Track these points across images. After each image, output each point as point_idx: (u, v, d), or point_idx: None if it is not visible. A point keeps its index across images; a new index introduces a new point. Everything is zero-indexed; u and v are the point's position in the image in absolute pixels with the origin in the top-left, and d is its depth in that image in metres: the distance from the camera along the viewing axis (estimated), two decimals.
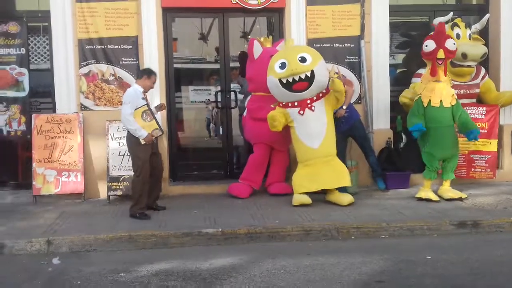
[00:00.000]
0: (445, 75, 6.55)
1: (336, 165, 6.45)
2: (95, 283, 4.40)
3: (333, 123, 6.51)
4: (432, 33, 6.72)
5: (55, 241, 5.33)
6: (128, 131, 6.10)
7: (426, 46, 6.56)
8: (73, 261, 4.99)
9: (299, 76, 6.22)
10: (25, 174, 7.43)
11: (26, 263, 4.99)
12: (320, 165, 6.39)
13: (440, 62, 6.45)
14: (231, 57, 8.04)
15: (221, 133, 8.05)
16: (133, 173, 6.28)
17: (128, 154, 6.47)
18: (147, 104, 6.09)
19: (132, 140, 6.06)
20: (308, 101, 6.36)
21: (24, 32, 7.33)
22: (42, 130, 7.07)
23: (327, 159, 6.40)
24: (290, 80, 6.24)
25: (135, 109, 6.01)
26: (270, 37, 7.45)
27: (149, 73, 6.22)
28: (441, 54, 6.40)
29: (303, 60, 6.26)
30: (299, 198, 6.38)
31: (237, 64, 8.45)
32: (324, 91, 6.42)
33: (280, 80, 6.30)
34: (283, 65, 6.28)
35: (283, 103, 6.47)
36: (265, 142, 6.97)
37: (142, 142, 6.00)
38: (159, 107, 6.49)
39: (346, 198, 6.40)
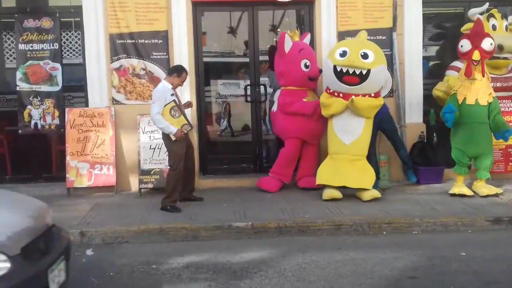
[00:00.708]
0: (483, 76, 6.36)
1: (362, 166, 6.37)
2: (127, 275, 4.49)
3: (371, 127, 6.42)
4: (469, 30, 6.52)
5: (88, 233, 5.45)
6: None
7: (462, 46, 6.40)
8: (106, 253, 5.10)
9: (354, 70, 6.12)
10: (59, 167, 7.60)
11: None
12: (346, 162, 6.34)
13: (475, 63, 6.30)
14: (260, 50, 8.03)
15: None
16: (163, 166, 6.36)
17: (160, 148, 6.56)
18: (175, 100, 6.14)
19: (167, 136, 6.15)
20: (353, 97, 6.19)
21: (57, 28, 7.46)
22: (75, 124, 7.21)
23: (354, 158, 6.33)
24: (344, 70, 6.15)
25: (164, 106, 6.07)
26: (298, 30, 7.40)
27: (180, 71, 6.26)
28: (476, 55, 6.24)
29: (365, 56, 6.12)
30: (329, 193, 6.35)
31: (266, 58, 8.45)
32: (373, 94, 6.29)
33: (335, 67, 6.21)
34: (343, 53, 6.19)
35: (331, 91, 6.40)
36: (297, 136, 6.95)
37: (173, 138, 6.08)
38: (187, 105, 6.53)
39: (367, 194, 6.29)
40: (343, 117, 6.34)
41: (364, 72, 6.11)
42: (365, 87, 6.19)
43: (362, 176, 6.33)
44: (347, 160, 6.35)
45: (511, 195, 6.52)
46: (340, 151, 6.38)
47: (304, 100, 6.90)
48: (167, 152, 6.42)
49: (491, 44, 6.39)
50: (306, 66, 6.92)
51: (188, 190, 6.50)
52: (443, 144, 7.05)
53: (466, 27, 6.96)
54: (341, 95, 6.27)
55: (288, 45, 6.94)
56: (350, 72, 6.12)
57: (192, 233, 5.47)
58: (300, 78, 6.94)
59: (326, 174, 6.43)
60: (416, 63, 7.61)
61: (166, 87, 6.16)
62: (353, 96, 6.15)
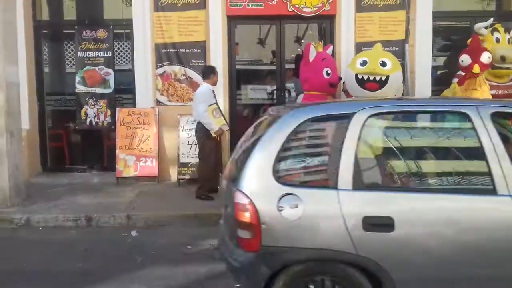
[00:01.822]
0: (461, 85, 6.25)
1: None
2: (166, 254, 4.55)
3: None
4: (468, 45, 6.38)
5: (133, 217, 5.52)
6: (198, 124, 6.24)
7: (462, 61, 6.25)
8: (148, 234, 5.17)
9: (374, 77, 6.04)
10: (109, 159, 7.70)
11: (109, 234, 5.21)
12: None
13: (476, 76, 6.14)
14: (286, 59, 7.99)
15: None
16: (198, 160, 6.41)
17: (196, 143, 6.62)
18: (216, 103, 6.19)
19: (203, 132, 6.19)
20: None
21: (111, 38, 7.57)
22: (124, 121, 7.31)
23: None
24: (365, 78, 6.07)
25: (208, 106, 6.13)
26: (322, 42, 7.34)
27: (213, 70, 6.38)
28: (476, 69, 6.08)
29: (383, 64, 6.05)
30: None
31: (291, 66, 8.39)
32: None
33: (356, 75, 6.14)
34: (364, 63, 6.10)
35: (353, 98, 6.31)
36: None
37: (214, 135, 6.15)
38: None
39: None
40: None
41: (383, 78, 6.02)
42: (385, 92, 6.11)
43: None
44: None
45: None
46: None
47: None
48: (198, 145, 6.46)
49: (488, 57, 6.23)
50: (328, 74, 6.84)
51: (215, 181, 6.43)
52: None
53: (478, 26, 6.80)
54: None
55: (312, 55, 6.88)
56: (371, 79, 6.04)
57: None
58: (322, 84, 6.86)
59: None
60: (425, 72, 7.45)
61: (208, 88, 6.25)
62: None
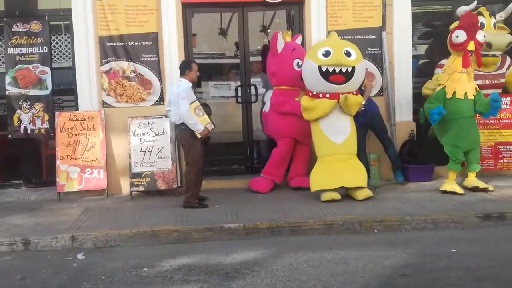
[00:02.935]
0: (480, 66, 6.53)
1: (355, 164, 6.39)
2: (119, 278, 4.47)
3: (354, 124, 6.46)
4: (459, 21, 6.59)
5: (79, 237, 5.43)
6: (179, 126, 6.29)
7: (457, 36, 6.45)
8: (97, 257, 5.08)
9: (340, 69, 6.14)
10: (49, 172, 7.56)
11: (51, 259, 5.09)
12: (340, 163, 6.33)
13: (470, 54, 6.36)
14: (251, 51, 8.05)
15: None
16: (154, 169, 6.42)
17: (150, 150, 6.66)
18: (198, 100, 6.23)
19: (188, 133, 6.23)
20: (347, 95, 6.21)
21: (46, 31, 7.44)
22: (65, 127, 7.19)
23: (347, 157, 6.34)
24: (330, 70, 6.15)
25: (190, 104, 6.14)
26: (290, 31, 7.43)
27: (189, 65, 6.41)
28: (471, 46, 6.31)
29: (348, 54, 6.18)
30: (329, 195, 6.29)
31: (257, 59, 8.46)
32: (354, 92, 6.34)
33: (320, 67, 6.21)
34: (327, 53, 6.19)
35: (313, 93, 6.36)
36: (290, 136, 6.98)
37: (199, 136, 6.18)
38: None
39: (362, 193, 6.29)
40: (331, 117, 6.33)
41: (349, 69, 6.14)
42: (351, 84, 6.23)
43: (357, 175, 6.34)
44: (340, 160, 6.34)
45: (501, 192, 6.57)
46: (332, 152, 6.37)
47: (297, 99, 6.92)
48: (184, 149, 6.53)
49: (484, 36, 6.49)
50: (299, 66, 6.95)
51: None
52: (432, 143, 7.09)
53: (455, 25, 7.01)
54: (327, 95, 6.26)
55: (280, 45, 6.97)
56: (337, 71, 6.15)
57: (184, 235, 5.47)
58: (292, 78, 6.97)
59: (320, 179, 6.37)
60: (405, 61, 7.66)
61: (188, 83, 6.28)
62: (345, 94, 6.17)
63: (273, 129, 7.19)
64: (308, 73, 6.41)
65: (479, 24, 6.63)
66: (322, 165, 6.43)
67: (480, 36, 6.41)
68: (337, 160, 6.34)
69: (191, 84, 6.33)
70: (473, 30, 6.37)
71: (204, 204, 6.36)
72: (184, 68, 6.40)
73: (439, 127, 6.65)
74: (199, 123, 6.16)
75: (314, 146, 6.61)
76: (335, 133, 6.34)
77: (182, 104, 6.15)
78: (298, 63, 6.96)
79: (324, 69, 6.18)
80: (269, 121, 7.22)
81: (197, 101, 6.24)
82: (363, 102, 6.48)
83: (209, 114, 6.47)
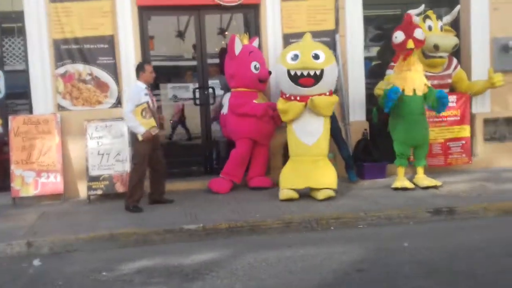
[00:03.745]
0: (404, 60, 6.64)
1: (325, 166, 6.40)
2: (78, 283, 4.36)
3: (329, 126, 6.47)
4: (400, 24, 6.79)
5: (35, 243, 5.25)
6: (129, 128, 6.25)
7: (396, 37, 6.65)
8: (54, 262, 4.93)
9: (308, 72, 6.15)
10: (3, 177, 7.28)
11: (6, 266, 4.91)
12: (309, 163, 6.36)
13: (409, 54, 6.53)
14: (208, 53, 8.01)
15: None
16: (113, 172, 6.34)
17: (108, 153, 6.76)
18: (148, 102, 6.12)
19: (135, 135, 6.21)
20: (313, 97, 6.22)
21: None
22: (19, 131, 6.95)
23: (317, 159, 6.36)
24: (299, 73, 6.17)
25: (136, 106, 6.05)
26: (247, 34, 7.44)
27: (141, 66, 6.32)
28: (410, 44, 6.47)
29: (316, 57, 6.19)
30: (286, 193, 6.32)
31: (214, 61, 8.42)
32: (328, 93, 6.34)
33: (288, 71, 6.22)
34: (295, 57, 6.22)
35: (287, 95, 6.38)
36: (248, 137, 6.96)
37: (140, 138, 6.09)
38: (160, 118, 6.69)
39: (322, 193, 6.30)
40: (302, 119, 6.37)
41: (318, 72, 6.17)
42: (321, 86, 6.26)
43: (326, 176, 6.35)
44: (310, 161, 6.36)
45: (450, 187, 6.76)
46: (302, 153, 6.39)
47: (255, 101, 6.94)
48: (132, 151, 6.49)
49: (421, 33, 6.67)
50: (256, 68, 6.96)
51: (158, 192, 6.52)
52: (385, 141, 7.24)
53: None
54: (298, 98, 6.30)
55: (238, 48, 6.96)
56: (305, 74, 6.18)
57: (143, 238, 5.38)
58: (250, 80, 6.97)
59: (289, 177, 6.38)
60: (358, 63, 7.78)
61: (139, 87, 6.22)
62: (311, 97, 6.21)
63: (231, 130, 7.17)
64: (279, 77, 6.47)
65: (420, 25, 6.81)
66: (293, 164, 6.45)
67: (418, 33, 6.59)
68: (307, 161, 6.36)
69: (144, 86, 6.22)
70: (410, 29, 6.54)
71: (139, 208, 6.17)
72: (138, 70, 6.33)
73: (392, 124, 6.79)
74: (140, 126, 6.07)
75: (288, 146, 6.60)
76: (306, 134, 6.36)
77: (125, 106, 6.21)
78: (255, 65, 6.97)
79: (292, 73, 6.22)
80: (228, 123, 7.20)
81: (146, 103, 6.12)
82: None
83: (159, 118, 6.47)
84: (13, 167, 6.88)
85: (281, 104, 6.41)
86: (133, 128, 6.17)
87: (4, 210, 6.58)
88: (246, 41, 7.17)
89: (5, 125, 7.10)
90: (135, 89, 6.23)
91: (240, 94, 7.04)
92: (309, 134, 6.37)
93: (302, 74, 6.20)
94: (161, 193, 6.56)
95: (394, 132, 6.79)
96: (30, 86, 7.16)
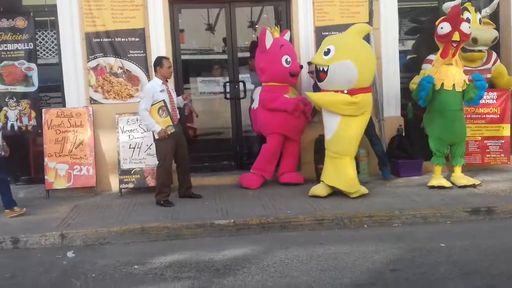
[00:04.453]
0: (453, 57, 6.51)
1: (341, 165, 6.23)
2: (110, 276, 4.45)
3: (354, 126, 6.19)
4: (446, 15, 6.65)
5: (68, 235, 5.38)
6: None
7: (442, 28, 6.49)
8: (87, 254, 5.04)
9: (320, 67, 6.12)
10: (37, 169, 7.49)
11: (41, 257, 5.04)
12: (328, 158, 6.35)
13: (454, 45, 6.41)
14: (239, 47, 8.02)
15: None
16: (144, 165, 6.52)
17: (139, 147, 6.89)
18: (165, 100, 6.17)
19: (153, 132, 6.29)
20: (306, 92, 6.33)
21: (32, 27, 7.35)
22: (52, 124, 7.11)
23: (334, 156, 6.30)
24: (318, 68, 6.17)
25: (152, 105, 6.13)
26: (278, 27, 7.42)
27: (159, 62, 6.38)
28: (456, 36, 6.35)
29: (327, 52, 6.05)
30: (313, 190, 6.36)
31: (244, 55, 8.43)
32: (346, 91, 6.05)
33: (316, 66, 6.27)
34: (328, 52, 6.11)
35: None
36: (279, 132, 6.96)
37: (156, 137, 6.17)
38: (184, 98, 6.68)
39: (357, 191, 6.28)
40: (323, 112, 6.40)
41: (325, 68, 6.05)
42: (329, 83, 6.11)
43: (337, 176, 6.25)
44: (328, 156, 6.36)
45: (488, 186, 6.63)
46: (326, 146, 6.40)
47: (286, 96, 6.92)
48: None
49: (468, 27, 6.54)
50: (287, 62, 6.94)
51: (184, 187, 6.61)
52: (421, 137, 7.14)
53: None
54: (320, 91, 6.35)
55: (269, 41, 6.95)
56: (320, 69, 6.15)
57: (174, 232, 5.45)
58: (281, 74, 6.96)
59: (356, 179, 6.36)
60: (392, 57, 7.69)
61: (154, 83, 6.29)
62: (306, 92, 6.34)
63: (262, 125, 7.18)
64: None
65: (464, 17, 6.67)
66: (353, 164, 6.36)
67: (464, 27, 6.46)
68: (327, 156, 6.37)
69: (160, 82, 6.26)
70: (457, 22, 6.42)
71: (170, 202, 6.29)
72: (155, 65, 6.40)
73: (428, 120, 6.68)
74: (155, 125, 6.14)
75: (350, 143, 6.35)
76: (325, 128, 6.36)
77: (140, 103, 6.27)
78: (287, 59, 6.94)
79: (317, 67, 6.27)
80: (258, 118, 7.21)
81: (163, 101, 6.17)
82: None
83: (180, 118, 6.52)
84: (46, 159, 7.05)
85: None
86: (148, 127, 6.26)
87: (38, 202, 6.75)
88: (277, 34, 7.14)
89: (39, 118, 7.28)
90: (149, 87, 6.28)
91: (270, 89, 7.04)
92: (326, 128, 6.34)
93: (319, 68, 6.17)
94: (188, 187, 6.64)
95: (430, 128, 6.68)
96: (63, 79, 7.31)
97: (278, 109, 6.85)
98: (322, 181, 6.38)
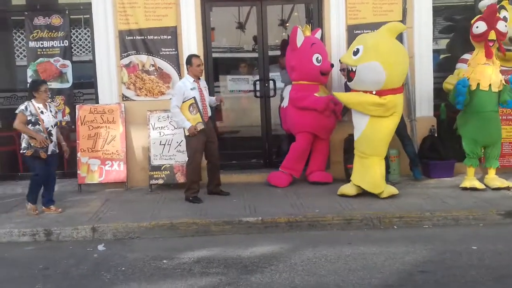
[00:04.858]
0: (490, 58, 6.37)
1: (367, 165, 6.17)
2: (139, 269, 4.53)
3: (383, 127, 6.11)
4: (482, 13, 6.52)
5: (100, 228, 5.50)
6: None
7: (477, 27, 6.36)
8: (117, 248, 5.15)
9: (349, 67, 6.11)
10: (70, 164, 7.66)
11: (72, 249, 5.17)
12: (356, 157, 6.31)
13: (491, 44, 6.28)
14: (269, 45, 8.03)
15: None
16: (174, 162, 6.64)
17: (170, 144, 6.98)
18: (195, 98, 6.26)
19: (183, 129, 6.40)
20: (334, 92, 6.34)
21: (67, 25, 7.52)
22: (85, 120, 7.27)
23: (361, 155, 6.25)
24: (349, 68, 6.14)
25: (183, 102, 6.23)
26: (309, 25, 7.40)
27: (188, 60, 6.48)
28: (492, 35, 6.23)
29: (356, 52, 6.01)
30: (342, 189, 6.35)
31: (275, 53, 8.43)
32: (374, 92, 6.00)
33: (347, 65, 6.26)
34: (357, 51, 6.10)
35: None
36: (309, 131, 6.96)
37: (186, 133, 6.26)
38: (219, 100, 6.79)
39: (386, 191, 6.21)
40: (352, 112, 6.38)
41: (354, 69, 6.01)
42: (358, 83, 6.08)
43: (363, 175, 6.22)
44: (356, 155, 6.32)
45: None
46: (354, 145, 6.37)
47: (316, 95, 6.90)
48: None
49: (505, 25, 6.40)
50: (318, 61, 6.92)
51: (213, 184, 6.67)
52: (454, 138, 7.02)
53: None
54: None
55: (300, 39, 6.94)
56: (349, 69, 6.12)
57: (202, 228, 5.51)
58: (312, 73, 6.94)
59: (384, 179, 6.31)
60: (426, 56, 7.57)
61: (185, 81, 6.40)
62: (334, 92, 6.33)
63: (291, 124, 7.17)
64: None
65: (500, 16, 6.54)
66: (382, 164, 6.29)
67: (501, 25, 6.32)
68: (356, 155, 6.33)
69: (191, 80, 6.36)
70: (493, 20, 6.29)
71: (199, 199, 6.35)
72: (186, 64, 6.52)
73: (463, 121, 6.56)
74: (185, 121, 6.23)
75: (378, 143, 6.28)
76: (355, 127, 6.33)
77: (171, 100, 6.38)
78: (317, 58, 6.92)
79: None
80: (288, 116, 7.21)
81: (193, 98, 6.25)
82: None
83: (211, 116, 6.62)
84: (79, 154, 7.21)
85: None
86: (179, 123, 6.37)
87: (71, 196, 6.92)
88: (308, 33, 7.12)
89: (72, 114, 7.44)
90: (180, 85, 6.40)
91: (301, 87, 7.03)
92: (355, 127, 6.30)
93: (348, 68, 6.17)
94: (217, 185, 6.69)
95: (464, 129, 6.55)
96: (96, 76, 7.45)
97: (308, 108, 6.84)
98: (351, 180, 6.35)
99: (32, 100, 5.96)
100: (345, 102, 6.36)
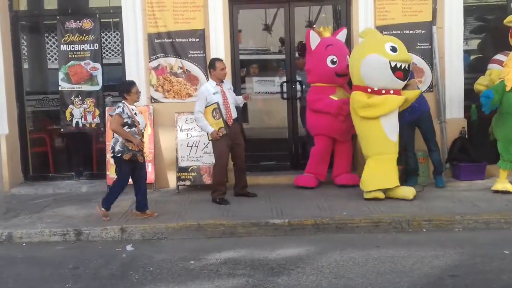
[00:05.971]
0: None
1: (366, 165, 6.37)
2: (167, 270, 4.57)
3: (362, 125, 6.35)
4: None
5: (128, 229, 5.57)
6: None
7: None
8: (145, 248, 5.21)
9: (404, 66, 6.07)
10: (99, 165, 7.79)
11: (101, 249, 5.25)
12: (392, 161, 6.20)
13: None
14: (297, 47, 8.02)
15: None
16: (201, 163, 6.71)
17: (197, 145, 7.06)
18: (218, 103, 6.29)
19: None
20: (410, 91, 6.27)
21: (97, 28, 7.64)
22: None
23: (397, 156, 6.23)
24: (398, 65, 6.04)
25: (206, 107, 6.28)
26: (330, 26, 7.33)
27: (212, 64, 6.50)
28: None
29: (394, 49, 6.13)
30: (373, 193, 6.21)
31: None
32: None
33: (390, 62, 6.05)
34: (394, 49, 6.07)
35: (375, 89, 6.14)
36: (325, 134, 6.92)
37: (210, 138, 6.31)
38: (245, 98, 6.78)
39: (410, 192, 6.18)
40: (393, 114, 6.19)
41: (406, 67, 6.08)
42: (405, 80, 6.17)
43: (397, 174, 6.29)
44: (393, 159, 6.21)
45: None
46: (389, 150, 6.19)
47: (332, 97, 6.82)
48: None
49: None
50: (333, 62, 6.84)
51: (240, 186, 6.70)
52: (485, 140, 6.87)
53: (509, 19, 6.76)
54: (391, 92, 6.13)
55: (314, 42, 6.90)
56: (401, 68, 6.05)
57: (229, 230, 5.53)
58: (326, 74, 6.88)
59: (376, 178, 6.18)
60: (456, 57, 7.44)
61: (208, 85, 6.44)
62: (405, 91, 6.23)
63: (309, 126, 7.18)
64: (375, 69, 6.12)
65: None
66: (377, 164, 6.20)
67: None
68: (391, 159, 6.20)
69: (214, 84, 6.39)
70: None
71: (226, 200, 6.37)
72: (209, 68, 6.54)
73: (497, 121, 6.42)
74: (208, 126, 6.28)
75: (366, 144, 6.37)
76: (393, 130, 6.20)
77: (195, 105, 6.42)
78: (332, 59, 6.83)
79: (393, 64, 6.04)
80: (306, 118, 7.22)
81: (217, 103, 6.28)
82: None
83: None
84: (108, 156, 7.30)
85: (366, 98, 6.13)
86: (202, 128, 6.43)
87: (100, 197, 6.94)
88: (327, 34, 7.04)
89: (102, 116, 7.57)
90: (203, 89, 6.43)
91: (316, 90, 6.99)
92: (394, 129, 6.20)
93: (400, 66, 6.05)
94: (243, 186, 6.70)
95: (499, 131, 6.41)
96: (126, 78, 7.55)
97: (322, 111, 6.80)
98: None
99: (124, 102, 5.83)
100: (412, 101, 6.32)
